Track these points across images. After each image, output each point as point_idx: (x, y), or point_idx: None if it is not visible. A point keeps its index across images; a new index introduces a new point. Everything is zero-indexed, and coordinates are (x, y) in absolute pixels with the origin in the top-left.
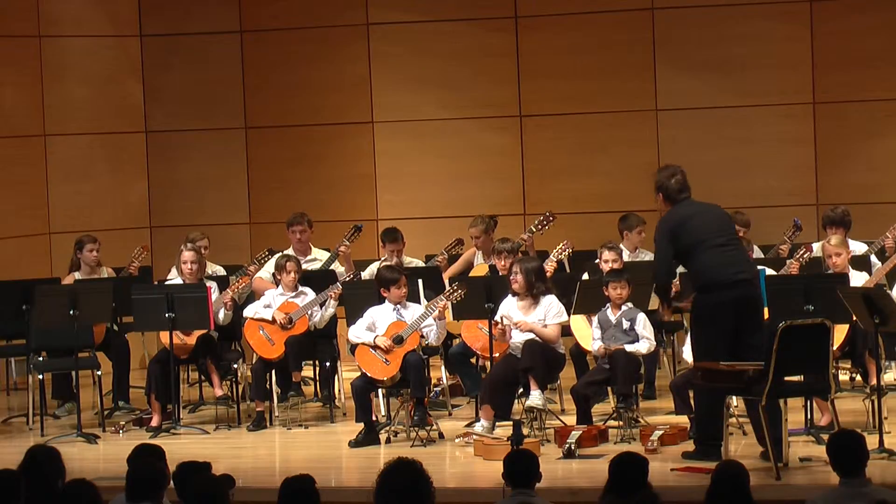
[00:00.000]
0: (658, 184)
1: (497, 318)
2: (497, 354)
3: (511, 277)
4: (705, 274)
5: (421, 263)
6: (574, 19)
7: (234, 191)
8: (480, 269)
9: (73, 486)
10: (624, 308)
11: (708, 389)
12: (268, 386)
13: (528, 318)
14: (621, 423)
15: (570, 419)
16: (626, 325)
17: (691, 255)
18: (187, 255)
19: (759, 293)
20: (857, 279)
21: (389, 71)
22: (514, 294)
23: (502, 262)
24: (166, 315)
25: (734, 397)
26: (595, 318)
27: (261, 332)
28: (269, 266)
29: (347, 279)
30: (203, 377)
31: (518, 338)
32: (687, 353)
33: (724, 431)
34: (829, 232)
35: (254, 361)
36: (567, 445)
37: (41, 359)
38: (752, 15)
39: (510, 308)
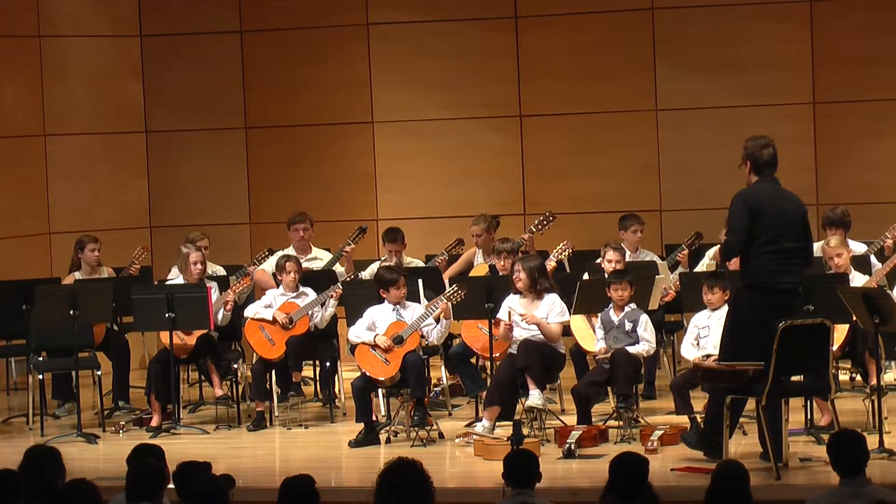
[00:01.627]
0: (748, 152)
1: (503, 315)
2: (497, 354)
3: (514, 276)
4: (757, 274)
5: (421, 263)
6: (574, 19)
7: (234, 191)
8: (480, 269)
9: (73, 486)
10: (627, 309)
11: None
12: (268, 386)
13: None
14: (621, 423)
15: (570, 419)
16: (628, 326)
17: (753, 248)
18: (196, 255)
19: (798, 303)
20: (860, 281)
21: (389, 71)
22: (517, 293)
23: (502, 263)
24: (166, 315)
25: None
26: (598, 319)
27: (262, 332)
28: (271, 262)
29: (347, 279)
30: (203, 377)
31: (520, 333)
32: (685, 352)
33: (725, 431)
34: (828, 233)
35: (254, 361)
36: (567, 445)
37: (41, 359)
38: (752, 15)
39: (513, 305)
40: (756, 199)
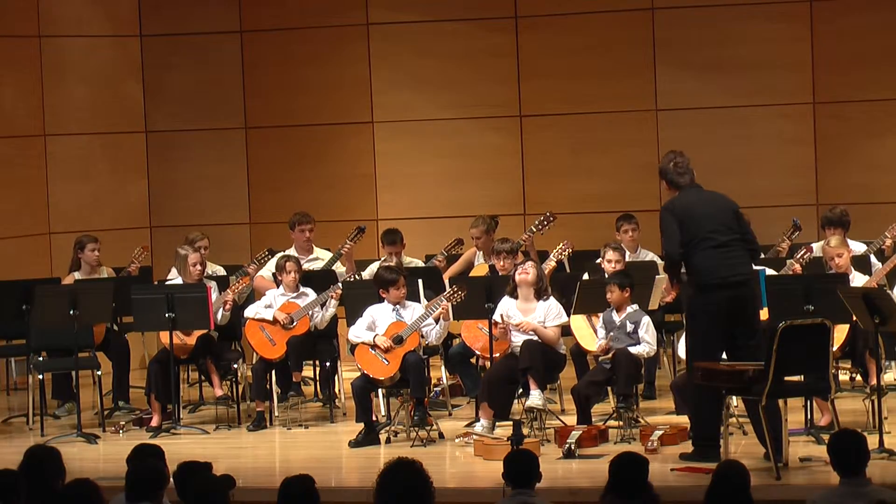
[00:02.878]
0: (660, 170)
1: (496, 317)
2: (497, 354)
3: (521, 268)
4: (700, 274)
5: (421, 263)
6: (574, 19)
7: (234, 191)
8: (480, 269)
9: (74, 487)
10: (629, 310)
11: (703, 389)
12: (268, 386)
13: (528, 319)
14: (621, 423)
15: (570, 419)
16: (630, 327)
17: (689, 251)
18: (194, 256)
19: (752, 295)
20: (860, 281)
21: (389, 71)
22: (512, 295)
23: (501, 263)
24: (166, 315)
25: (734, 397)
26: (600, 319)
27: (262, 332)
28: (271, 265)
29: (348, 279)
30: (203, 377)
31: (518, 338)
32: (682, 350)
33: (724, 431)
34: (827, 233)
35: (254, 361)
36: (567, 445)
37: (41, 359)
38: (752, 15)
39: (509, 308)
40: (680, 206)
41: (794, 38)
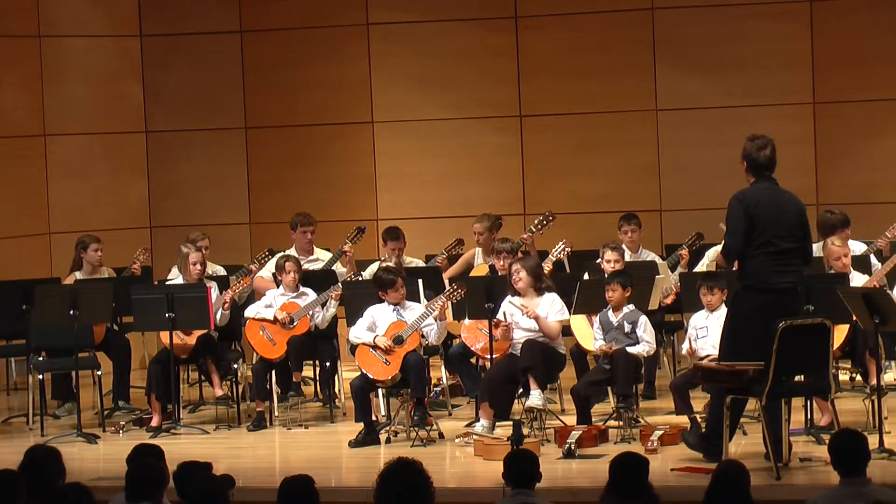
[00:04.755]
0: (745, 152)
1: (499, 316)
2: (497, 355)
3: (513, 278)
4: (754, 275)
5: (421, 263)
6: (574, 19)
7: (234, 191)
8: (480, 269)
9: (69, 489)
10: (625, 310)
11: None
12: (268, 386)
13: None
14: (621, 423)
15: (570, 419)
16: (627, 327)
17: (749, 249)
18: (195, 255)
19: (797, 299)
20: (860, 281)
21: (389, 71)
22: (515, 294)
23: (501, 262)
24: (166, 315)
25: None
26: (596, 319)
27: (262, 332)
28: (270, 265)
29: (349, 279)
30: (203, 377)
31: (519, 335)
32: (686, 351)
33: (725, 431)
34: (837, 233)
35: (254, 361)
36: (567, 445)
37: (41, 359)
38: (752, 15)
39: (513, 302)
40: (752, 201)
41: (794, 38)
